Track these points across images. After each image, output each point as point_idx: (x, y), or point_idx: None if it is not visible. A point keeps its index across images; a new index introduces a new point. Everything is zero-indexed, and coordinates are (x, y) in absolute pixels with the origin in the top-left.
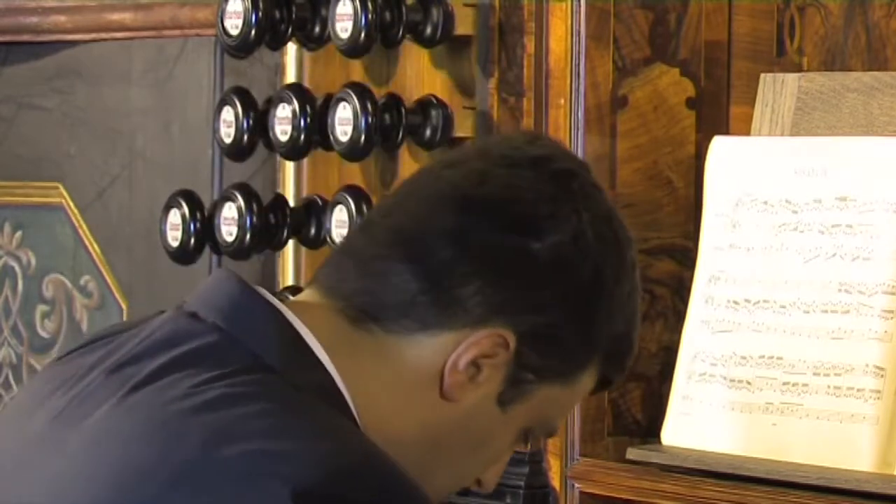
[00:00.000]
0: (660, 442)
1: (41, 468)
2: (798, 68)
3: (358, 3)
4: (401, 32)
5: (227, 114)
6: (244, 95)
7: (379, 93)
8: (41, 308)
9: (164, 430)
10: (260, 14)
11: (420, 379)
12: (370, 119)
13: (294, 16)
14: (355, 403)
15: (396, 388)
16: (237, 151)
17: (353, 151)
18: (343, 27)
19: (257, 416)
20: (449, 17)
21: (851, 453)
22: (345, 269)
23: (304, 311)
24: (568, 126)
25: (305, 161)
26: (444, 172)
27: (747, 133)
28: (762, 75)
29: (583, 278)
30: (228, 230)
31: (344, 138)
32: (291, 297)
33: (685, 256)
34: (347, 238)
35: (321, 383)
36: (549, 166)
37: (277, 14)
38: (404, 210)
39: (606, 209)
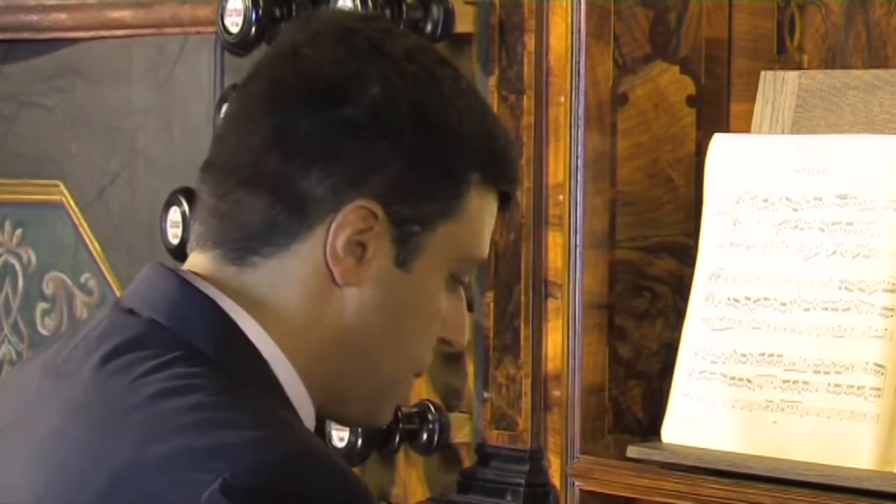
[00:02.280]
0: (660, 440)
1: None
2: (798, 66)
3: (358, 0)
4: None
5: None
6: None
7: None
8: (41, 306)
9: (98, 436)
10: (260, 11)
11: (316, 283)
12: None
13: (294, 13)
14: (283, 349)
15: (303, 304)
16: None
17: None
18: None
19: (190, 409)
20: (449, 15)
21: (851, 451)
22: (205, 221)
23: (208, 280)
24: (568, 124)
25: None
26: (244, 92)
27: (748, 131)
28: (763, 73)
29: (405, 119)
30: None
31: None
32: (181, 266)
33: (685, 254)
34: (197, 193)
35: (254, 366)
36: (328, 34)
37: (277, 11)
38: (224, 144)
39: (404, 48)
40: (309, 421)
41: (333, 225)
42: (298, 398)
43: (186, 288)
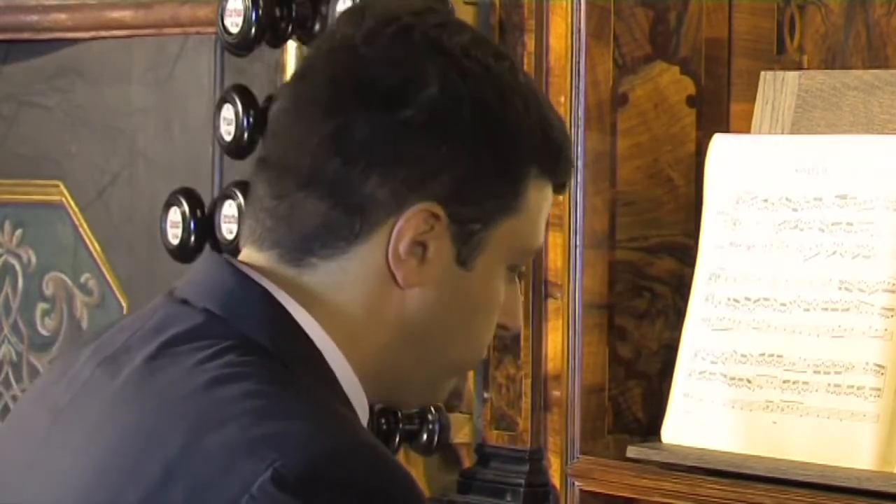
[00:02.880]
0: (660, 440)
1: (46, 470)
2: (798, 66)
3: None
4: None
5: (228, 112)
6: (244, 93)
7: None
8: (41, 306)
9: (153, 422)
10: (260, 12)
11: (377, 284)
12: None
13: (294, 13)
14: (342, 349)
15: (363, 305)
16: (238, 149)
17: None
18: None
19: (243, 397)
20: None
21: (851, 451)
22: (261, 220)
23: (265, 274)
24: (568, 124)
25: None
26: (295, 89)
27: (748, 131)
28: (762, 73)
29: (466, 118)
30: (229, 228)
31: None
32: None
33: (685, 254)
34: (249, 193)
35: (309, 357)
36: (384, 32)
37: (277, 12)
38: (280, 142)
39: (460, 45)
40: (363, 414)
41: (395, 228)
42: (353, 391)
43: (242, 278)
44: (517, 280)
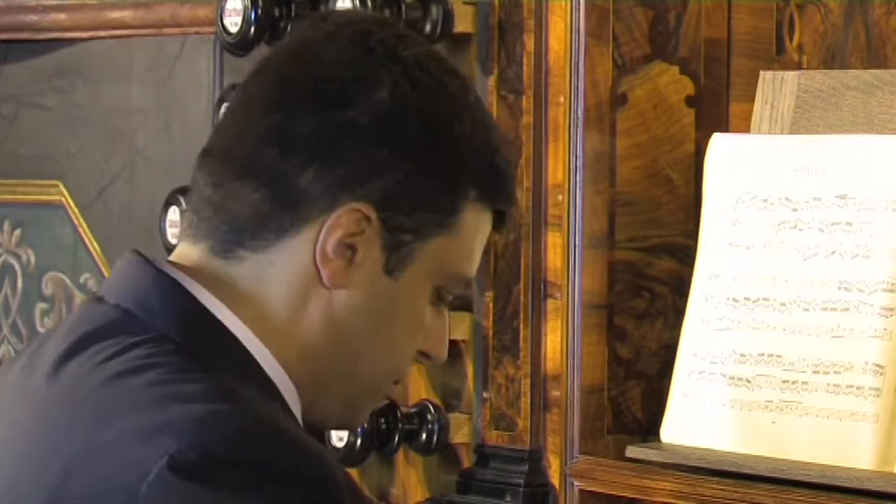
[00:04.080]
0: (659, 440)
1: None
2: (798, 66)
3: (357, 0)
4: None
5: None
6: None
7: None
8: (41, 306)
9: (56, 426)
10: (259, 11)
11: (303, 281)
12: None
13: (293, 13)
14: (266, 344)
15: (288, 301)
16: None
17: None
18: None
19: (145, 387)
20: (448, 15)
21: (851, 451)
22: (198, 211)
23: (188, 270)
24: (567, 124)
25: None
26: (248, 85)
27: (747, 131)
28: (762, 73)
29: (411, 127)
30: None
31: None
32: (168, 258)
33: (685, 255)
34: (191, 184)
35: (223, 346)
36: (343, 34)
37: (277, 11)
38: (224, 135)
39: (416, 56)
40: (296, 404)
41: (326, 225)
42: (281, 383)
43: (157, 275)
44: (446, 309)
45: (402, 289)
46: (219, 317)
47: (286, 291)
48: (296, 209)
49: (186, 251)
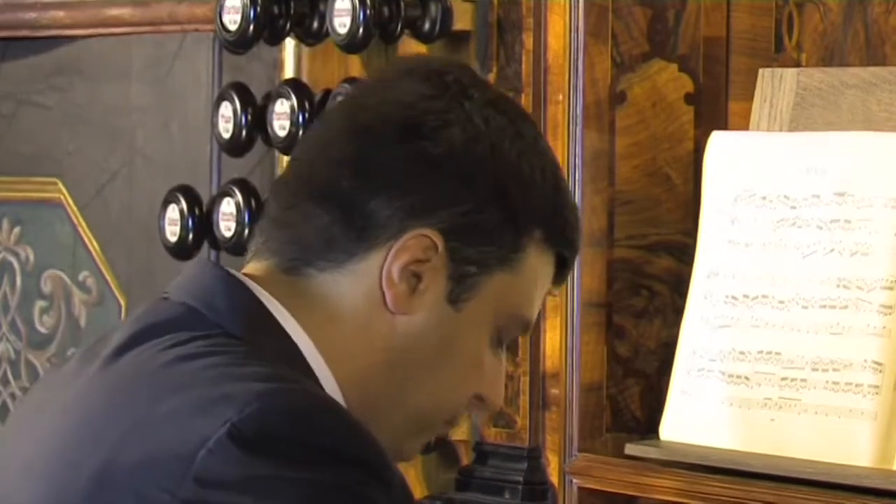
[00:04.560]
0: (658, 438)
1: (19, 449)
2: (797, 64)
3: (357, 1)
4: (399, 28)
5: (226, 109)
6: (242, 91)
7: None
8: (40, 304)
9: (117, 398)
10: (258, 9)
11: (366, 305)
12: None
13: (292, 11)
14: (326, 359)
15: (350, 323)
16: (235, 147)
17: None
18: (342, 22)
19: (205, 368)
20: (447, 13)
21: (850, 449)
22: (267, 231)
23: (256, 279)
24: (566, 122)
25: None
26: (330, 116)
27: (746, 129)
28: (761, 71)
29: (482, 160)
30: (227, 225)
31: None
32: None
33: (684, 253)
34: (265, 208)
35: (284, 349)
36: (420, 71)
37: (276, 9)
38: (303, 161)
39: (488, 97)
40: None
41: (393, 249)
42: (335, 395)
43: (227, 278)
44: (503, 355)
45: (464, 321)
46: (282, 323)
47: (350, 312)
48: (365, 232)
49: (253, 267)
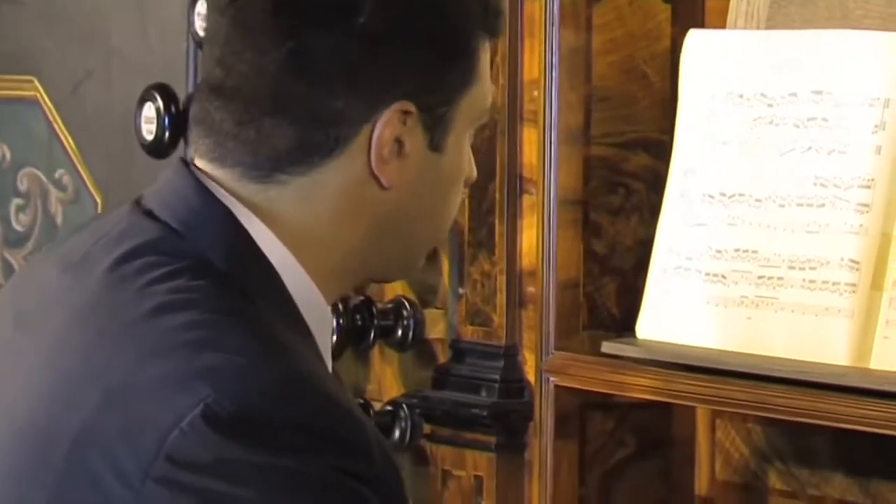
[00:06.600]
0: (635, 336)
1: (3, 380)
2: None
3: None
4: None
5: (202, 6)
6: None
7: None
8: (16, 202)
9: (101, 347)
10: None
11: (354, 192)
12: None
13: None
14: (308, 265)
15: (337, 214)
16: None
17: None
18: None
19: (185, 328)
20: None
21: (827, 347)
22: (221, 144)
23: (229, 191)
24: (543, 20)
25: None
26: (234, 13)
27: (723, 27)
28: None
29: (419, 13)
30: None
31: None
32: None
33: (661, 150)
34: (197, 116)
35: (265, 279)
36: None
37: None
38: (230, 68)
39: None
40: (322, 327)
41: (375, 136)
42: (312, 308)
43: (206, 196)
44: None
45: (448, 155)
46: (259, 243)
47: (337, 204)
48: (339, 129)
49: (214, 172)
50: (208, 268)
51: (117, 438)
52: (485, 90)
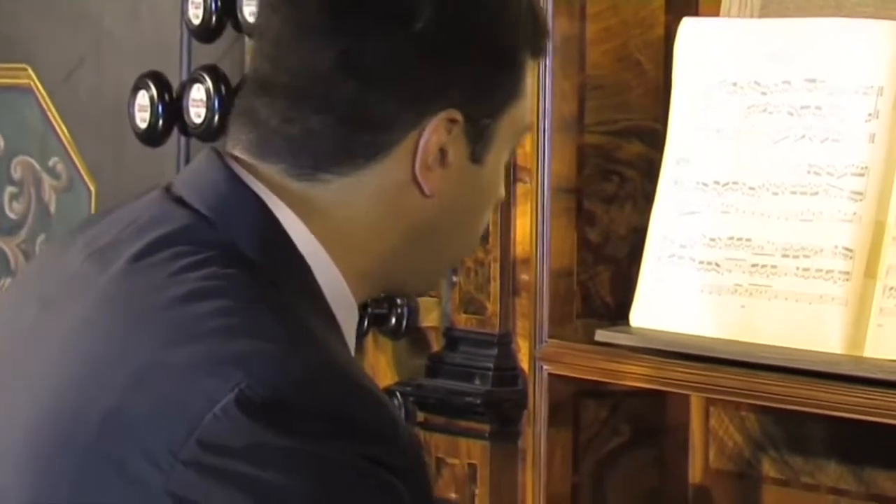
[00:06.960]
0: (628, 324)
1: (28, 367)
2: None
3: None
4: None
5: None
6: None
7: None
8: (9, 190)
9: (127, 331)
10: None
11: (394, 197)
12: None
13: None
14: (342, 265)
15: (376, 218)
16: (206, 33)
17: None
18: None
19: (216, 314)
20: None
21: (820, 335)
22: (264, 138)
23: (266, 184)
24: None
25: None
26: (287, 9)
27: (717, 15)
28: None
29: (472, 23)
30: (197, 112)
31: None
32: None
33: (655, 138)
34: (242, 111)
35: (295, 270)
36: None
37: None
38: (280, 66)
39: None
40: (351, 321)
41: (421, 142)
42: (341, 303)
43: (237, 184)
44: None
45: (487, 169)
46: (292, 235)
47: (376, 208)
48: (386, 134)
49: (255, 166)
50: (238, 257)
51: (145, 420)
52: (525, 108)
